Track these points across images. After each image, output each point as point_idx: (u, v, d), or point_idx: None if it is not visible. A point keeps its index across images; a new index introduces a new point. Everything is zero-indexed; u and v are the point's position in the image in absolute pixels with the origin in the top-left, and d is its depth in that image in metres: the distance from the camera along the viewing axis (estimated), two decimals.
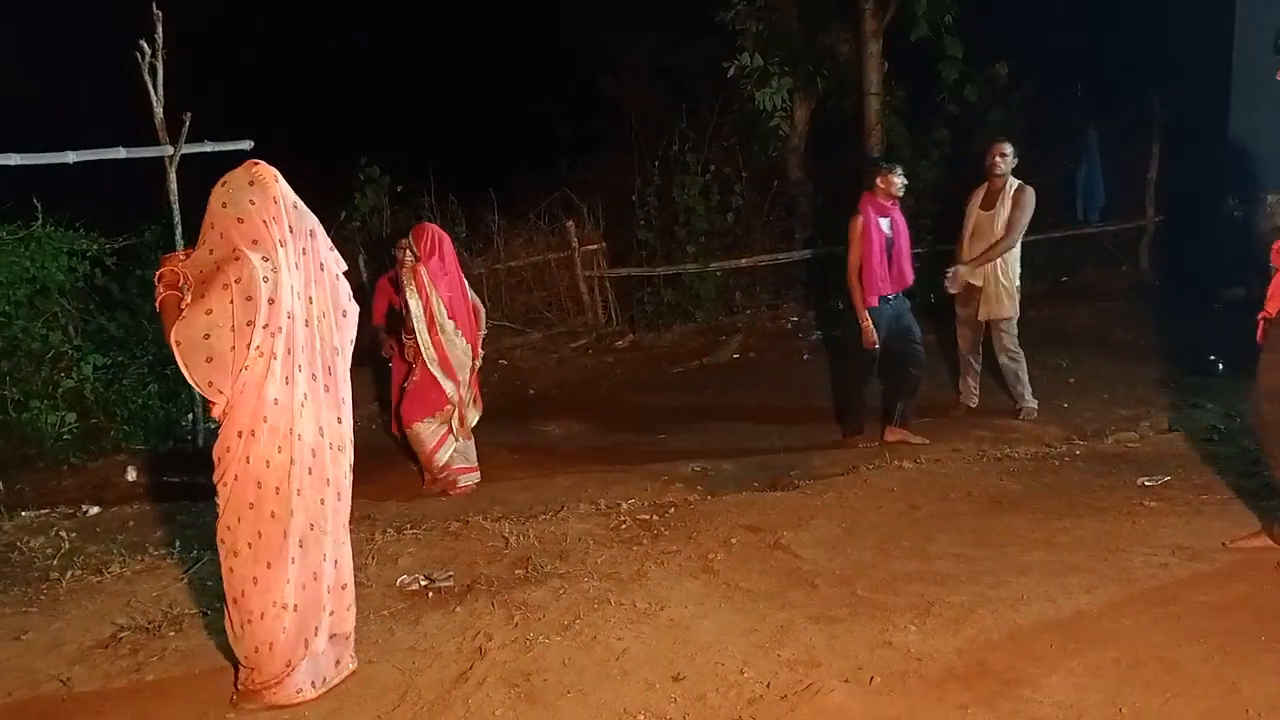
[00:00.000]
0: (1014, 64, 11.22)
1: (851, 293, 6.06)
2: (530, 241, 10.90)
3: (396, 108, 15.10)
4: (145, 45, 6.02)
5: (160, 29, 6.03)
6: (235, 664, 3.11)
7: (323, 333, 3.04)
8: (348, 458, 3.14)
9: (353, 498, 3.20)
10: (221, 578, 3.03)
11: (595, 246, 10.76)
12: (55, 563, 4.52)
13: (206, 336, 2.83)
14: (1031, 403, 6.43)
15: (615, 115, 12.44)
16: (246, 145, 6.51)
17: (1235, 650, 3.06)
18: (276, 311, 2.88)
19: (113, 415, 6.93)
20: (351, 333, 3.17)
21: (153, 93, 6.10)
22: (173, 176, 6.41)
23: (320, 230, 3.08)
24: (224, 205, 2.89)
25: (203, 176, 3.49)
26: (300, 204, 3.01)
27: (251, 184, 2.91)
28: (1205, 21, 10.14)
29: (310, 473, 2.99)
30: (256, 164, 2.98)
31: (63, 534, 4.93)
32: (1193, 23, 10.61)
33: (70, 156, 6.02)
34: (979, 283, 6.35)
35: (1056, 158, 11.84)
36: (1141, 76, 11.76)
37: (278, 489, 2.94)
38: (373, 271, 9.02)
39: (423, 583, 4.00)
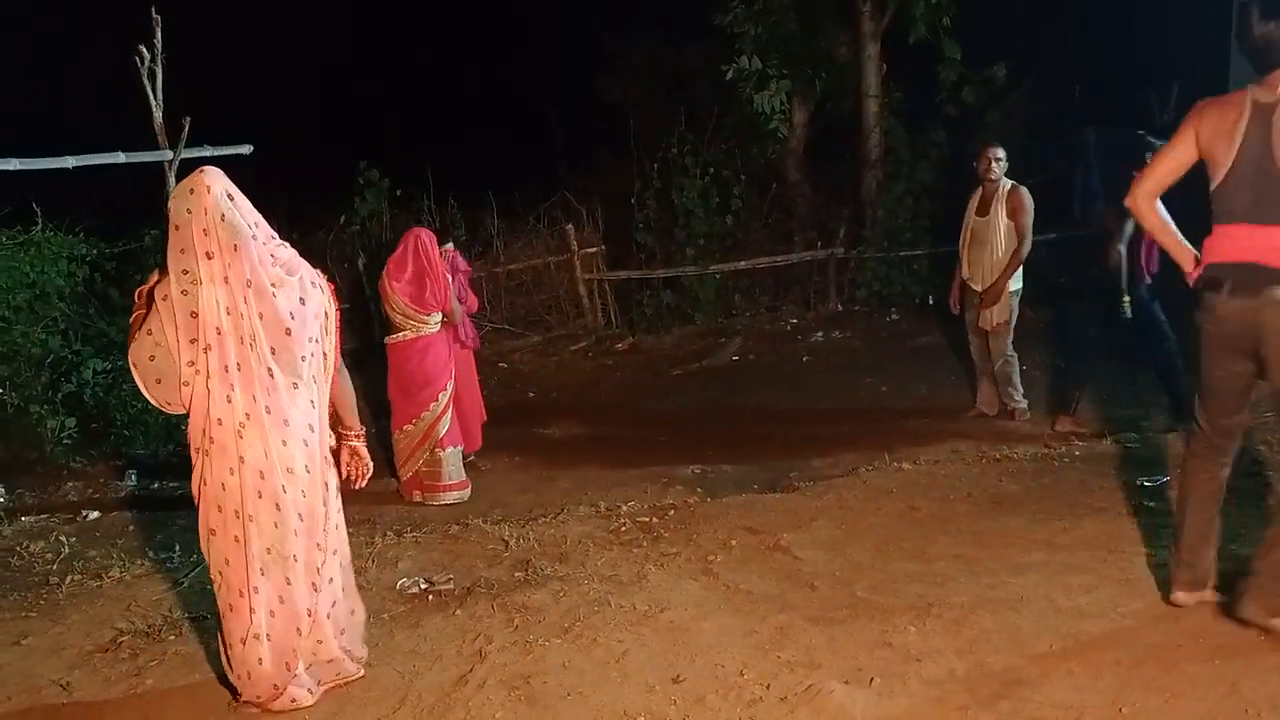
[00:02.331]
0: (1013, 65, 11.21)
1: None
2: (529, 245, 10.91)
3: (396, 111, 15.12)
4: (144, 50, 6.03)
5: (159, 33, 6.03)
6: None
7: (259, 352, 2.87)
8: (313, 479, 2.98)
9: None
10: None
11: (594, 249, 10.77)
12: (55, 567, 4.53)
13: (152, 358, 2.83)
14: (1022, 403, 6.40)
15: (615, 117, 12.43)
16: (246, 150, 6.49)
17: (1235, 650, 3.06)
18: (199, 325, 2.81)
19: (112, 420, 6.93)
20: (300, 349, 2.92)
21: (152, 97, 6.09)
22: (172, 181, 6.38)
23: (252, 245, 2.83)
24: (172, 212, 2.84)
25: None
26: (230, 216, 2.80)
27: (191, 191, 2.81)
28: (1204, 21, 10.14)
29: (260, 496, 2.90)
30: (202, 171, 2.86)
31: (62, 539, 4.94)
32: (1192, 23, 10.60)
33: (69, 161, 6.00)
34: (979, 288, 6.25)
35: (1054, 159, 11.82)
36: (1141, 77, 11.75)
37: (237, 512, 2.89)
38: (372, 276, 9.01)
39: (423, 586, 4.00)
